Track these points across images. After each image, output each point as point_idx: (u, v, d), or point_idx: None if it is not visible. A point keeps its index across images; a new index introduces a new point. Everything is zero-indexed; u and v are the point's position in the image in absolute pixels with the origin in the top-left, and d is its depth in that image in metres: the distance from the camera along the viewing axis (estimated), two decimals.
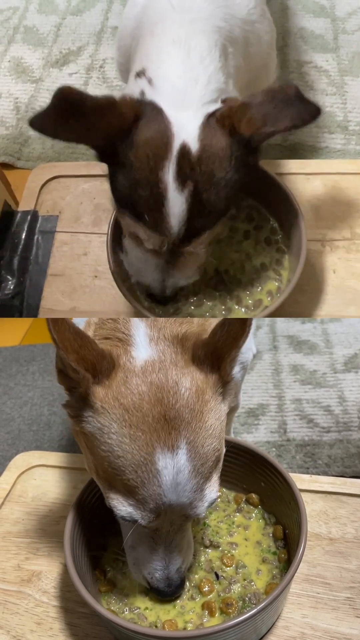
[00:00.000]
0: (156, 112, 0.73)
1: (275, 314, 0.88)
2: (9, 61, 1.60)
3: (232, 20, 0.84)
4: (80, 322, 0.75)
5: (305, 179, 1.17)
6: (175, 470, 0.59)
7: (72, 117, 0.69)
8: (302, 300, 1.02)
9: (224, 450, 0.67)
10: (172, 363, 0.63)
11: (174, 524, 0.64)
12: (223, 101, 0.76)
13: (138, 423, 0.60)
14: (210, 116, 0.73)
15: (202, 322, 0.73)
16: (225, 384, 0.65)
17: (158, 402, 0.60)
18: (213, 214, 0.75)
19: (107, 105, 0.71)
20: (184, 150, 0.71)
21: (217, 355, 0.63)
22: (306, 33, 1.60)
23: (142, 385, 0.61)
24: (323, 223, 1.11)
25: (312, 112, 0.72)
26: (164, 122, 0.72)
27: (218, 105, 0.75)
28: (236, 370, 0.87)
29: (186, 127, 0.72)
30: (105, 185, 1.17)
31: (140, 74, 0.78)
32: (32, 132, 1.43)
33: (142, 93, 0.76)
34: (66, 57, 1.60)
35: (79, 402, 0.63)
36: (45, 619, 0.77)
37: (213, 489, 0.63)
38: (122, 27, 0.98)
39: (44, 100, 1.50)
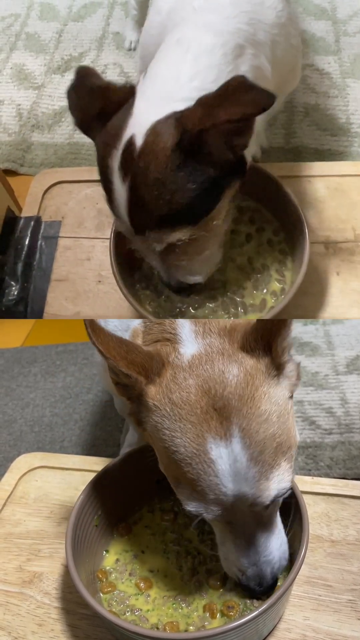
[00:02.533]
0: (130, 104, 0.74)
1: (279, 315, 0.88)
2: (11, 68, 1.61)
3: (257, 25, 0.83)
4: (124, 333, 0.76)
5: (308, 181, 1.17)
6: (231, 459, 0.59)
7: (80, 90, 0.76)
8: (306, 302, 1.02)
9: (296, 437, 0.66)
10: (219, 353, 0.63)
11: (247, 517, 0.63)
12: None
13: (187, 415, 0.60)
14: (175, 114, 0.71)
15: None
16: (278, 367, 0.64)
17: (205, 393, 0.60)
18: (156, 215, 0.73)
19: (105, 87, 0.76)
20: (130, 143, 0.72)
21: (266, 338, 0.62)
22: (308, 35, 1.60)
23: (189, 378, 0.62)
24: (326, 225, 1.11)
25: (260, 99, 0.68)
26: (126, 113, 0.74)
27: (191, 104, 0.72)
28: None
29: (142, 121, 0.72)
30: None
31: (143, 71, 0.79)
32: (34, 139, 1.44)
33: (133, 86, 0.77)
34: (68, 63, 1.60)
35: (139, 406, 0.65)
36: (47, 621, 0.77)
37: (282, 478, 0.62)
38: (145, 35, 0.98)
39: (46, 106, 1.50)
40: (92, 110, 0.75)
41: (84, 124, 0.77)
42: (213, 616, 0.70)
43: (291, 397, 0.66)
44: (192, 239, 0.78)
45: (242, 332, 0.65)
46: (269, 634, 0.72)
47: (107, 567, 0.78)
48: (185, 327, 0.67)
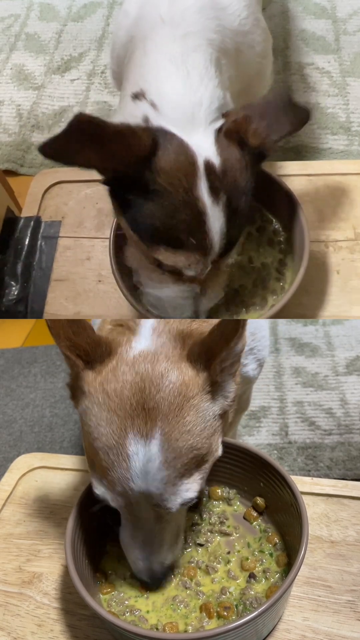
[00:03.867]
0: (170, 136, 0.73)
1: (280, 314, 0.87)
2: (11, 68, 1.61)
3: (223, 32, 0.85)
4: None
5: (308, 180, 1.16)
6: (145, 458, 0.61)
7: (89, 142, 0.68)
8: (306, 301, 1.02)
9: (216, 452, 0.68)
10: (165, 356, 0.64)
11: (150, 514, 0.65)
12: (224, 115, 0.78)
13: (115, 408, 0.62)
14: (219, 132, 0.76)
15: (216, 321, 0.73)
16: (214, 384, 0.65)
17: (139, 391, 0.62)
18: (244, 219, 0.78)
19: (126, 131, 0.70)
20: (209, 166, 0.73)
21: (210, 354, 0.64)
22: (307, 35, 1.60)
23: (128, 373, 0.63)
24: (326, 224, 1.11)
25: (305, 114, 0.79)
26: (182, 144, 0.73)
27: (221, 121, 0.78)
28: (252, 367, 0.88)
29: (202, 145, 0.74)
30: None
31: (139, 96, 0.78)
32: (34, 139, 1.44)
33: (146, 118, 0.75)
34: (68, 64, 1.61)
35: (75, 386, 0.68)
36: (46, 621, 0.77)
37: (190, 488, 0.64)
38: (114, 36, 0.98)
39: (46, 107, 1.50)
40: (132, 156, 0.70)
41: (131, 170, 0.72)
42: (210, 616, 0.70)
43: (222, 415, 0.68)
44: None
45: (193, 340, 0.66)
46: (269, 634, 0.72)
47: (107, 568, 0.77)
48: (147, 322, 0.69)
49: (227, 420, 0.70)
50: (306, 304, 1.02)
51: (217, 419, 0.66)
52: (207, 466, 0.67)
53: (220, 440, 0.69)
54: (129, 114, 0.78)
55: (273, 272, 0.96)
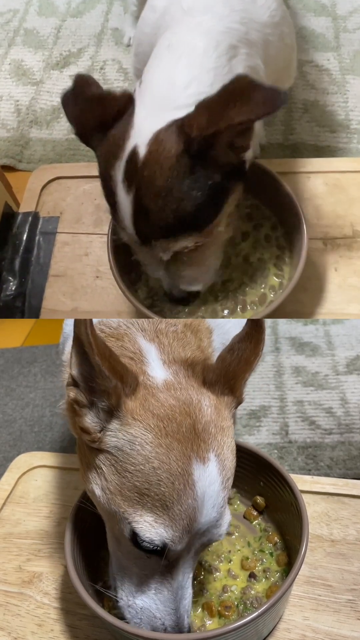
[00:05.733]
0: (129, 113, 0.74)
1: (277, 312, 0.87)
2: (10, 64, 1.61)
3: (250, 24, 0.83)
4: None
5: (307, 177, 1.16)
6: (207, 482, 0.58)
7: (78, 99, 0.76)
8: (304, 298, 1.02)
9: None
10: (188, 384, 0.63)
11: (195, 552, 0.62)
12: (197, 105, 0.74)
13: (173, 432, 0.58)
14: (176, 122, 0.71)
15: (203, 347, 0.73)
16: (238, 404, 0.66)
17: (187, 415, 0.60)
18: (162, 224, 0.73)
19: (104, 95, 0.75)
20: (133, 154, 0.72)
21: (228, 378, 0.64)
22: (307, 32, 1.60)
23: (170, 399, 0.60)
24: (324, 221, 1.10)
25: (272, 98, 0.67)
26: (128, 123, 0.74)
27: (190, 110, 0.71)
28: None
29: (144, 130, 0.72)
30: None
31: (141, 76, 0.79)
32: (33, 135, 1.43)
33: (134, 92, 0.77)
34: (67, 59, 1.60)
35: (103, 416, 0.61)
36: (46, 621, 0.77)
37: (228, 510, 0.62)
38: (139, 33, 0.97)
39: (45, 102, 1.50)
40: (91, 120, 0.75)
41: (84, 133, 0.76)
42: (212, 615, 0.70)
43: None
44: (197, 246, 0.78)
45: (201, 367, 0.66)
46: (269, 634, 0.72)
47: (107, 568, 0.77)
48: (151, 352, 0.66)
49: None
50: (304, 301, 1.02)
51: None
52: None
53: None
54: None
55: (271, 269, 0.96)
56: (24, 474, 0.99)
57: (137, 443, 0.58)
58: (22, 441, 1.35)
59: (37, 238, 1.14)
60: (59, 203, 1.18)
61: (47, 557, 0.85)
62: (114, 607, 0.71)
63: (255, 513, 0.82)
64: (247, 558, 0.77)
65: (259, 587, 0.73)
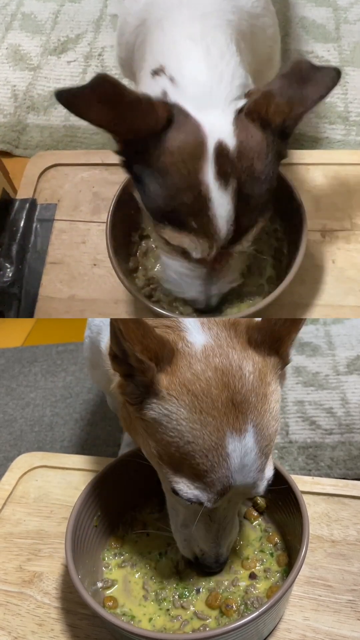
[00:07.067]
0: (185, 115, 0.71)
1: (275, 303, 0.87)
2: (7, 48, 1.59)
3: (239, 13, 0.83)
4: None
5: (306, 169, 1.16)
6: (242, 453, 0.60)
7: (107, 101, 0.68)
8: (302, 290, 1.01)
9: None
10: (230, 347, 0.63)
11: (232, 502, 0.66)
12: (247, 95, 0.75)
13: (208, 409, 0.60)
14: (240, 112, 0.72)
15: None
16: (284, 366, 0.66)
17: (225, 387, 0.60)
18: (258, 208, 0.74)
19: (145, 101, 0.70)
20: (221, 149, 0.70)
21: (275, 338, 0.63)
22: (307, 22, 1.59)
23: (208, 370, 0.61)
24: (323, 213, 1.10)
25: (331, 76, 0.72)
26: (194, 124, 0.71)
27: (243, 100, 0.74)
28: None
29: (218, 125, 0.71)
30: (103, 174, 1.17)
31: (158, 71, 0.76)
32: (30, 120, 1.42)
33: (165, 93, 0.74)
34: (64, 45, 1.58)
35: (141, 390, 0.63)
36: (47, 620, 0.77)
37: (270, 467, 0.65)
38: (122, 22, 0.95)
39: (42, 88, 1.48)
40: (143, 128, 0.70)
41: (133, 141, 0.71)
42: (214, 607, 0.71)
43: None
44: None
45: (245, 326, 0.65)
46: (270, 634, 0.72)
47: (107, 568, 0.77)
48: (187, 319, 0.66)
49: None
50: (301, 293, 1.02)
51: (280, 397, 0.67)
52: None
53: None
54: (148, 89, 0.76)
55: (269, 260, 0.96)
56: (24, 474, 0.99)
57: (172, 418, 0.61)
58: (23, 441, 1.35)
59: (34, 225, 1.13)
60: (57, 190, 1.17)
61: (47, 556, 0.85)
62: (114, 607, 0.72)
63: (255, 514, 0.82)
64: (248, 558, 0.77)
65: (260, 587, 0.73)
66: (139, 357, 0.60)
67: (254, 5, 0.88)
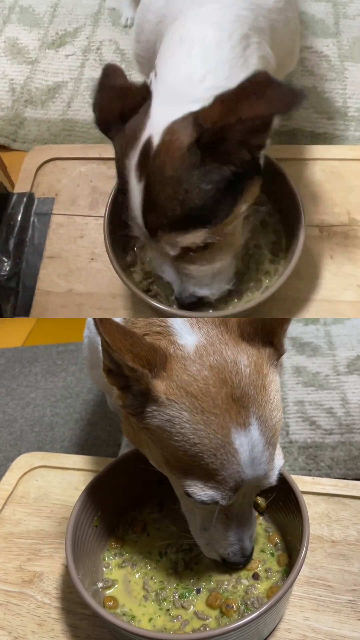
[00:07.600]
0: (147, 105, 0.74)
1: (274, 297, 0.87)
2: (5, 42, 1.59)
3: (257, 10, 0.81)
4: None
5: (304, 164, 1.16)
6: (250, 447, 0.61)
7: (104, 89, 0.76)
8: (300, 285, 1.02)
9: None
10: (223, 343, 0.63)
11: (246, 497, 0.66)
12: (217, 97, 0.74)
13: (209, 408, 0.60)
14: (192, 114, 0.71)
15: None
16: (279, 356, 0.66)
17: (223, 383, 0.60)
18: (168, 215, 0.73)
19: (126, 86, 0.76)
20: (147, 143, 0.72)
21: (267, 329, 0.64)
22: (307, 17, 1.58)
23: (203, 370, 0.61)
24: (321, 209, 1.10)
25: (288, 97, 0.66)
26: (145, 114, 0.74)
27: (207, 103, 0.70)
28: None
29: (159, 121, 0.72)
30: (101, 168, 1.17)
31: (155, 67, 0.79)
32: (27, 114, 1.42)
33: (150, 83, 0.77)
34: (62, 39, 1.58)
35: (140, 399, 0.63)
36: (47, 620, 0.77)
37: (279, 456, 0.65)
38: (141, 19, 0.96)
39: (40, 82, 1.48)
40: (113, 110, 0.75)
41: (105, 123, 0.77)
42: (214, 607, 0.71)
43: None
44: (207, 244, 0.77)
45: (236, 322, 0.65)
46: (270, 634, 0.72)
47: (107, 568, 0.77)
48: (177, 320, 0.66)
49: None
50: (299, 288, 1.02)
51: (280, 386, 0.67)
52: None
53: None
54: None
55: (267, 254, 0.96)
56: (24, 474, 0.99)
57: (175, 422, 0.61)
58: (23, 441, 1.35)
59: (31, 219, 1.13)
60: (55, 184, 1.17)
61: (47, 557, 0.85)
62: (114, 607, 0.72)
63: (256, 514, 0.82)
64: None
65: (260, 587, 0.73)
66: (130, 365, 0.60)
67: (277, 1, 0.86)
